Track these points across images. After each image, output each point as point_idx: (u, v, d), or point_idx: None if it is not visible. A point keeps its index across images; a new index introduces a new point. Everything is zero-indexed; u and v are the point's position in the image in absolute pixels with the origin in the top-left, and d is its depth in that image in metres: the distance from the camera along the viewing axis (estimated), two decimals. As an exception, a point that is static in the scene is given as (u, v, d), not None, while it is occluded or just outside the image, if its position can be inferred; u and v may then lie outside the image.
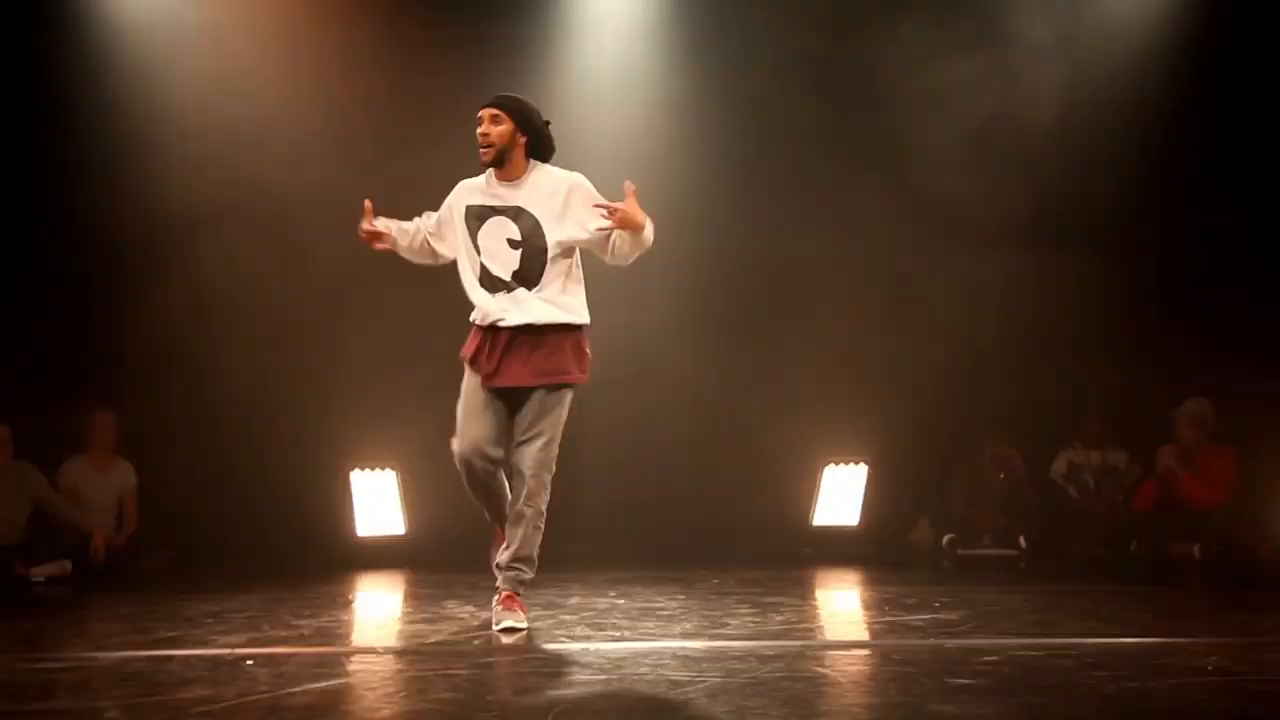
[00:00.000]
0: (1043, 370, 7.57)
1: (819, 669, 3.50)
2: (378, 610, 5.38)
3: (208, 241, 7.33)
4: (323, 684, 3.29)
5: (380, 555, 7.00)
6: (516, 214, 4.27)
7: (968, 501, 7.64)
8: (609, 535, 7.34)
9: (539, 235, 4.25)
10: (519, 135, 4.25)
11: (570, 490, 7.55)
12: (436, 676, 3.39)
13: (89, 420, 6.82)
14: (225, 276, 7.34)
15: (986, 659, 3.58)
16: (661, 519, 7.67)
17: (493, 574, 4.40)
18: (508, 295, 4.28)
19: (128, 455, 6.97)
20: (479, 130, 4.25)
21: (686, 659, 3.61)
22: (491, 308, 4.31)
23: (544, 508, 4.27)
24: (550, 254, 4.25)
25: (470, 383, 4.39)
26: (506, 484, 4.37)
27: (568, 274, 4.31)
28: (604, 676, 3.35)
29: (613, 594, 5.26)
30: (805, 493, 7.60)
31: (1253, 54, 7.18)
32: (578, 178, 4.31)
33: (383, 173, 7.52)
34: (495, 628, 4.20)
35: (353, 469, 7.27)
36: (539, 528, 4.28)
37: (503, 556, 4.33)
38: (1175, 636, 4.06)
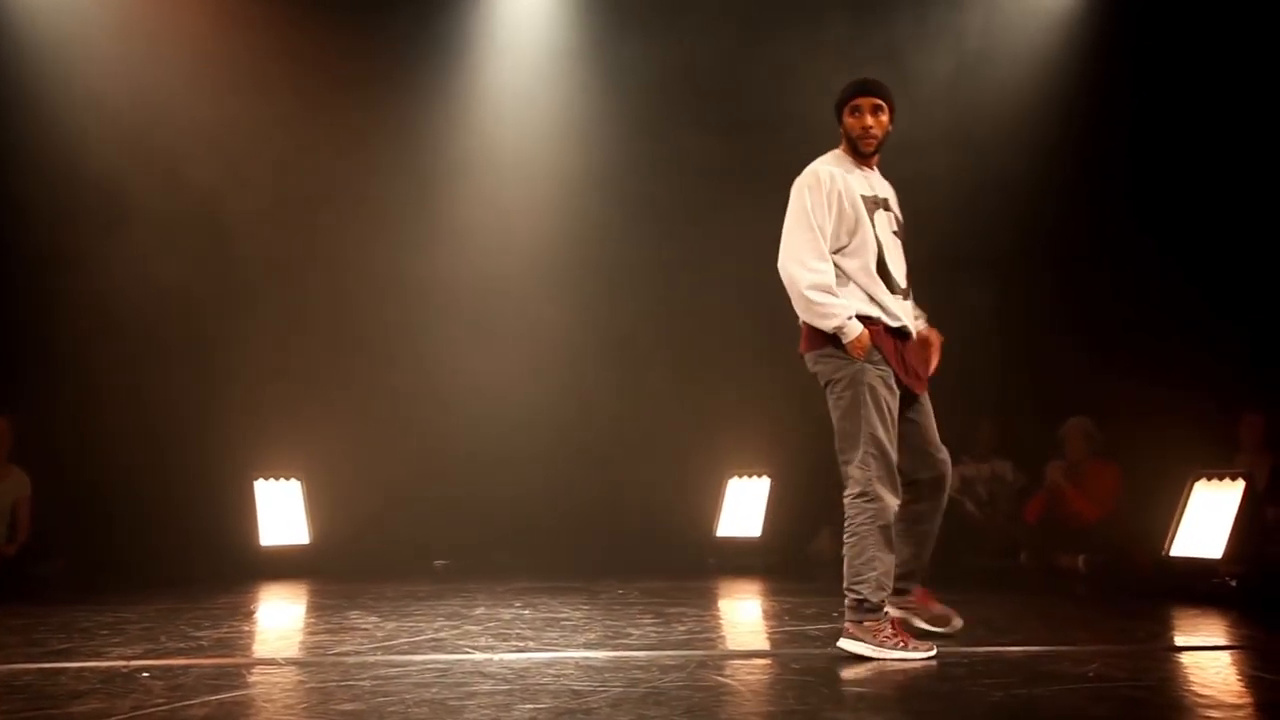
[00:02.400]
0: (936, 382, 7.77)
1: (719, 678, 3.57)
2: (280, 621, 5.31)
3: (109, 245, 7.21)
4: (221, 696, 3.26)
5: (284, 565, 6.92)
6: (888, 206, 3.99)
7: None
8: (523, 545, 7.37)
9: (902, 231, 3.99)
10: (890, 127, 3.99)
11: (491, 505, 7.64)
12: (338, 688, 3.38)
13: None
14: (128, 281, 7.22)
15: (882, 668, 3.69)
16: (571, 531, 7.72)
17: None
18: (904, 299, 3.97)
19: (23, 462, 6.78)
20: (863, 122, 3.92)
21: (590, 669, 3.66)
22: (897, 310, 3.92)
23: None
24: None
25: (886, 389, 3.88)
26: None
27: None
28: (507, 687, 3.38)
29: (518, 604, 5.28)
30: (709, 504, 7.70)
31: (1155, 76, 7.45)
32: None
33: (299, 175, 7.51)
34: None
35: (256, 478, 7.17)
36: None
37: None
38: (1060, 645, 4.21)
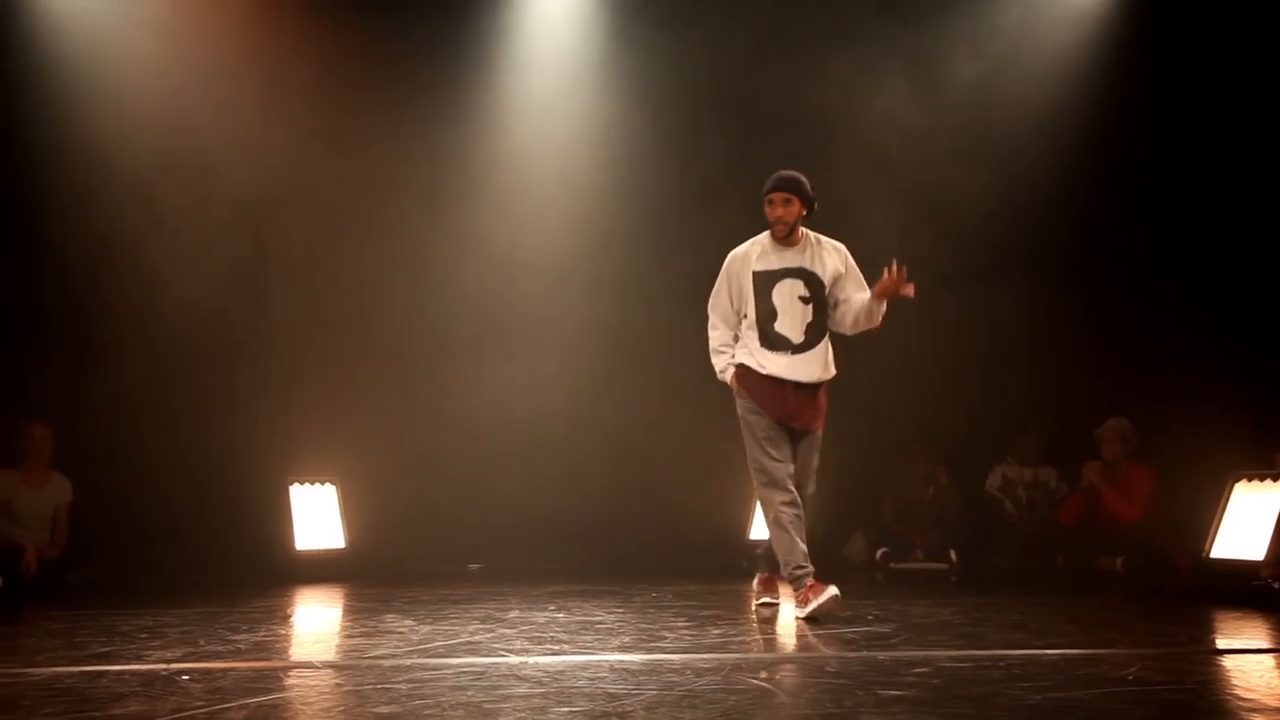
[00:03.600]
0: (973, 388, 7.74)
1: (754, 681, 3.56)
2: (316, 624, 5.35)
3: (144, 252, 7.28)
4: (259, 699, 3.29)
5: (319, 569, 6.97)
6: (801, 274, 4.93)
7: (900, 516, 7.78)
8: (555, 551, 7.39)
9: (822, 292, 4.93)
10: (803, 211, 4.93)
11: (525, 509, 7.66)
12: (374, 691, 3.40)
13: (22, 434, 6.71)
14: (164, 288, 7.30)
15: (917, 671, 3.67)
16: (604, 535, 7.73)
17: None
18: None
19: (65, 469, 6.86)
20: (774, 214, 4.88)
21: (624, 672, 3.66)
22: (776, 365, 4.93)
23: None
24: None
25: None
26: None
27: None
28: (542, 690, 3.39)
29: (552, 608, 5.29)
30: (742, 509, 7.68)
31: (1172, 85, 7.42)
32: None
33: (334, 185, 7.57)
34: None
35: (292, 483, 7.23)
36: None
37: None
38: (1098, 648, 4.17)
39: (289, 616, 5.42)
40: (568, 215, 8.02)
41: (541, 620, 4.90)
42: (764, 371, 4.90)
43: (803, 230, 4.96)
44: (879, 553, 7.63)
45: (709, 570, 7.00)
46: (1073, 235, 7.74)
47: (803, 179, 4.91)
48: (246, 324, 7.61)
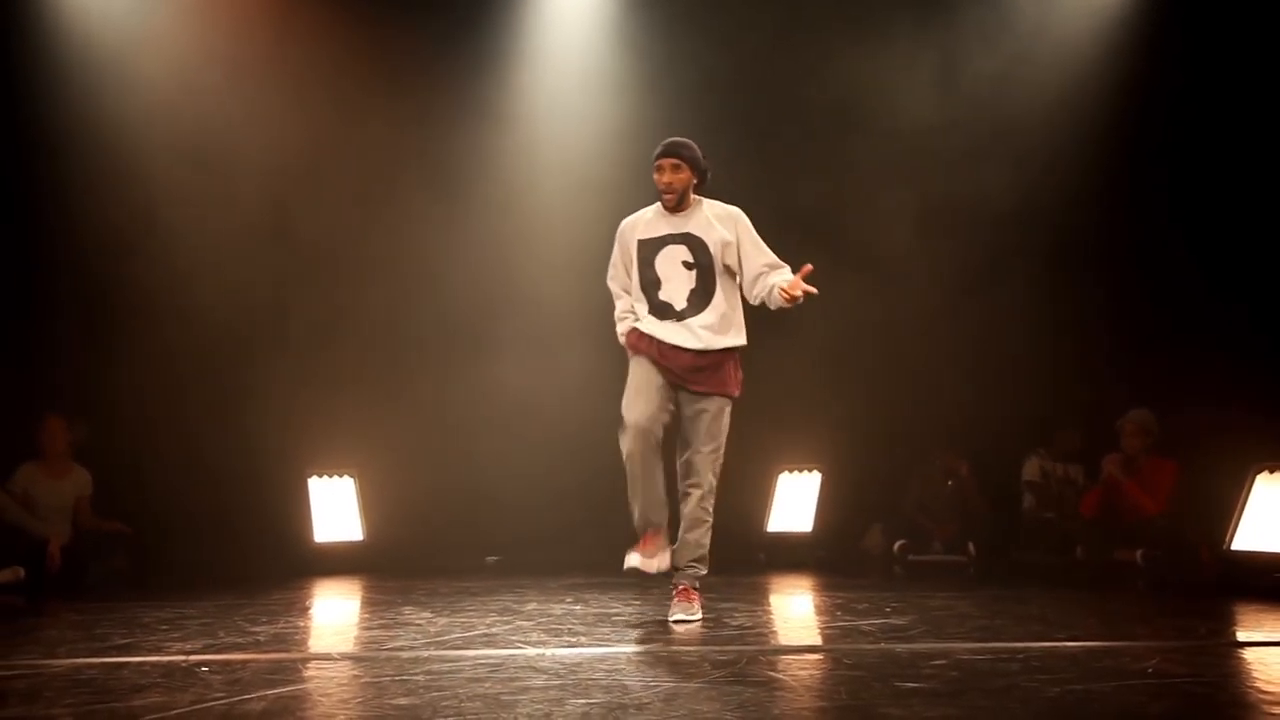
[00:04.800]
0: (993, 382, 7.71)
1: (771, 673, 3.56)
2: (334, 616, 5.37)
3: (164, 248, 7.31)
4: (278, 690, 3.30)
5: (338, 561, 7.00)
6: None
7: (919, 509, 7.76)
8: (572, 543, 7.39)
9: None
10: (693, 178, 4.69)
11: (543, 500, 7.67)
12: (392, 683, 3.41)
13: (40, 426, 6.76)
14: (184, 281, 7.33)
15: (935, 663, 3.66)
16: (622, 527, 7.71)
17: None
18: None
19: (84, 461, 6.91)
20: (662, 180, 4.64)
21: (642, 664, 3.67)
22: (662, 330, 4.69)
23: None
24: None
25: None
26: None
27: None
28: (559, 682, 3.39)
29: (569, 600, 5.30)
30: (760, 499, 7.68)
31: (1198, 77, 7.37)
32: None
33: (355, 178, 7.59)
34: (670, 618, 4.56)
35: (311, 475, 7.26)
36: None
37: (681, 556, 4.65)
38: (1117, 640, 4.15)
39: (307, 608, 5.45)
40: (585, 211, 8.00)
41: (559, 612, 4.91)
42: (654, 335, 4.68)
43: (695, 198, 4.71)
44: (897, 545, 7.62)
45: (725, 562, 6.98)
46: (1096, 231, 7.69)
47: (693, 144, 4.69)
48: (266, 317, 7.64)
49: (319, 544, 7.17)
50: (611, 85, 7.99)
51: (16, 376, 6.95)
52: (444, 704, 3.10)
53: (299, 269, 7.71)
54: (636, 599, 5.33)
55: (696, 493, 4.66)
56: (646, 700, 3.13)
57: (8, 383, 6.86)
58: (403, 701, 3.15)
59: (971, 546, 7.50)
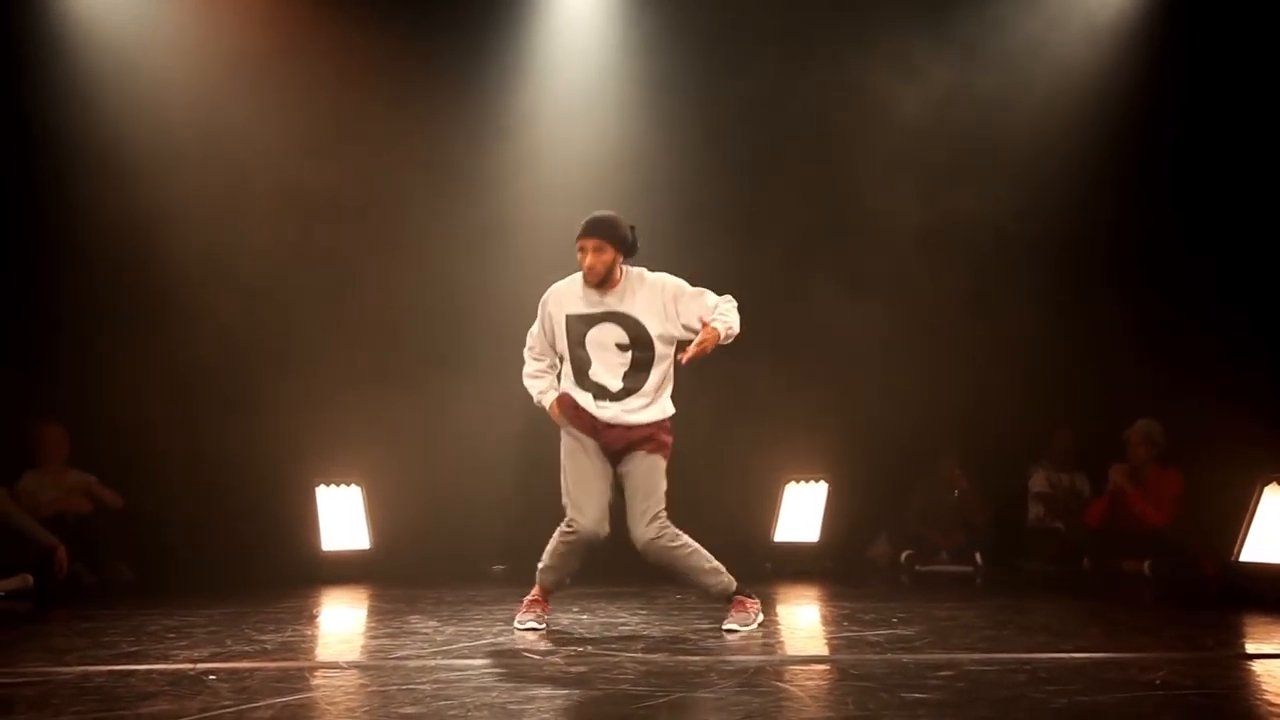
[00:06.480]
0: (997, 394, 7.71)
1: (777, 683, 3.56)
2: (341, 625, 5.38)
3: (169, 257, 7.33)
4: (285, 699, 3.31)
5: (345, 570, 7.00)
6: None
7: (925, 519, 7.75)
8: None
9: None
10: (618, 255, 4.54)
11: (550, 511, 7.66)
12: (399, 691, 3.42)
13: (37, 435, 6.77)
14: (190, 290, 7.34)
15: (941, 674, 3.66)
16: (629, 537, 7.71)
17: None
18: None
19: (90, 470, 6.92)
20: (585, 261, 4.50)
21: (648, 674, 3.67)
22: (594, 408, 4.57)
23: None
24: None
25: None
26: None
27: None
28: (566, 691, 3.40)
29: (575, 610, 5.30)
30: (767, 509, 7.67)
31: (1205, 81, 7.37)
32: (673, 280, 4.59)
33: (361, 188, 7.61)
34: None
35: (318, 484, 7.27)
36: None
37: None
38: (1124, 651, 4.14)
39: (315, 617, 5.45)
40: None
41: (565, 622, 4.91)
42: (589, 411, 4.56)
43: (625, 269, 4.56)
44: (903, 555, 7.61)
45: (732, 572, 6.97)
46: (1101, 243, 7.70)
47: (614, 219, 4.52)
48: (274, 325, 7.64)
49: (326, 553, 7.17)
50: (616, 98, 8.00)
51: (18, 383, 6.97)
52: (450, 713, 3.11)
53: (306, 277, 7.72)
54: (643, 609, 5.33)
55: (659, 541, 4.55)
56: (653, 710, 3.13)
57: (9, 389, 6.88)
58: (409, 710, 3.15)
59: (978, 556, 7.48)
